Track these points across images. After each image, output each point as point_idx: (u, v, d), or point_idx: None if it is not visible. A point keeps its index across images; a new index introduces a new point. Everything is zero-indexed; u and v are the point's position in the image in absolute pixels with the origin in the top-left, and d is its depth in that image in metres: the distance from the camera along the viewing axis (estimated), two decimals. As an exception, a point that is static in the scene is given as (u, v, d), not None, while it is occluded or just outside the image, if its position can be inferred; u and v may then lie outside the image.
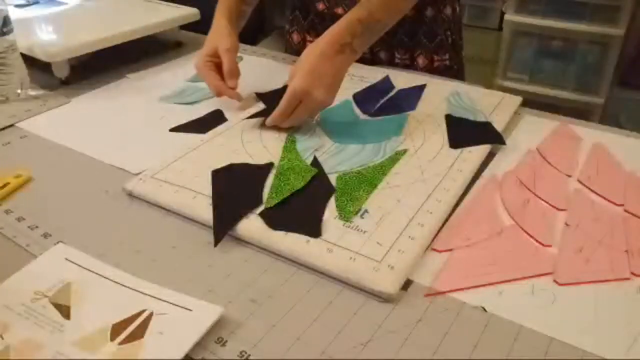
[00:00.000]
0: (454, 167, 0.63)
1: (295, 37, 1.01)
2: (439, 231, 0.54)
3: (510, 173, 0.64)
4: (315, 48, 0.69)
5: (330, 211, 0.56)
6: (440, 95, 0.81)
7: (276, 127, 0.72)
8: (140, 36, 0.96)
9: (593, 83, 1.86)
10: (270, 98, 0.81)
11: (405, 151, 0.67)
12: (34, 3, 1.10)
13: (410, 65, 0.95)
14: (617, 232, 0.54)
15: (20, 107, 0.82)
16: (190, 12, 1.04)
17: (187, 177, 0.61)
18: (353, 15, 0.69)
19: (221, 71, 0.78)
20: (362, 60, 0.93)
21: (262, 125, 0.73)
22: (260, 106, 0.78)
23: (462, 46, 1.00)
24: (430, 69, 0.94)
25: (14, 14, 0.98)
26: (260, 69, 0.96)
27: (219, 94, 0.78)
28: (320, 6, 0.94)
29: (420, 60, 0.94)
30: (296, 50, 1.01)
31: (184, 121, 0.77)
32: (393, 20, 0.73)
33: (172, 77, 0.92)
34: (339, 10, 0.92)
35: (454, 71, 0.98)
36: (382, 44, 0.94)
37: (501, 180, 0.63)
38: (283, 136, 0.70)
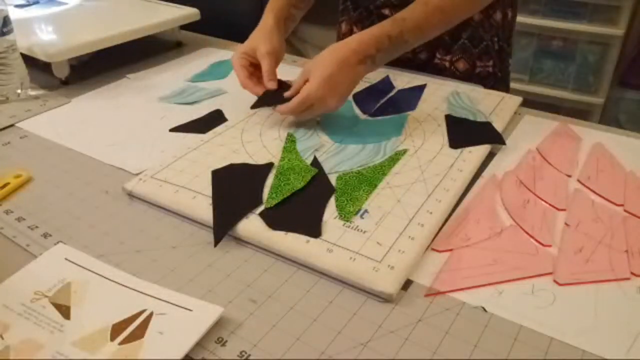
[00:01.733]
0: (454, 167, 0.63)
1: (344, 27, 1.00)
2: (439, 231, 0.54)
3: (510, 173, 0.64)
4: (339, 53, 0.68)
5: (330, 211, 0.56)
6: (440, 95, 0.81)
7: (276, 127, 0.72)
8: (140, 36, 0.96)
9: (593, 83, 1.86)
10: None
11: (405, 151, 0.67)
12: (34, 3, 1.10)
13: (447, 69, 0.92)
14: (617, 232, 0.54)
15: (20, 107, 0.82)
16: (190, 12, 1.05)
17: (187, 177, 0.61)
18: (384, 29, 0.69)
19: (254, 68, 0.77)
20: (402, 60, 0.93)
21: (262, 125, 0.73)
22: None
23: (509, 53, 0.96)
24: (471, 74, 0.92)
25: (14, 14, 0.98)
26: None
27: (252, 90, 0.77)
28: (369, 4, 0.94)
29: (461, 65, 0.91)
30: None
31: (184, 121, 0.77)
32: (418, 43, 0.73)
33: (172, 77, 0.93)
34: (386, 11, 0.91)
35: (497, 78, 0.94)
36: (424, 44, 0.92)
37: (501, 180, 0.63)
38: (283, 136, 0.70)
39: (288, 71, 0.95)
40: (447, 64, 0.92)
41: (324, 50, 0.70)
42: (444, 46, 0.91)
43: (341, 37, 1.02)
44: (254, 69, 0.77)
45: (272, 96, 0.72)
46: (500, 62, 0.94)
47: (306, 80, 0.68)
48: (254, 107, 0.73)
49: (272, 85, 0.74)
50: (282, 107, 0.70)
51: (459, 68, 0.91)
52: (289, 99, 0.69)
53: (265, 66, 0.74)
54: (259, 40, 0.76)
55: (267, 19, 0.79)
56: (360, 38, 0.69)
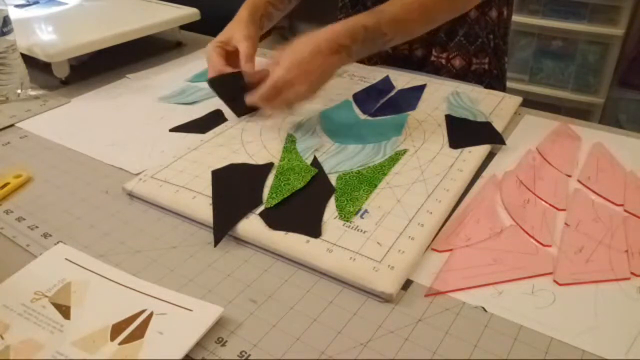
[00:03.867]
0: (454, 167, 0.63)
1: None
2: (439, 231, 0.54)
3: (510, 173, 0.64)
4: (311, 41, 0.66)
5: (330, 211, 0.56)
6: (440, 95, 0.81)
7: (276, 127, 0.72)
8: (140, 36, 0.96)
9: (593, 83, 1.86)
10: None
11: (405, 151, 0.67)
12: (34, 3, 1.10)
13: (444, 66, 0.92)
14: (617, 232, 0.54)
15: (20, 107, 0.82)
16: (190, 12, 1.05)
17: (187, 177, 0.61)
18: (360, 19, 0.67)
19: (230, 58, 0.75)
20: (398, 58, 0.93)
21: (262, 125, 0.73)
22: None
23: (505, 51, 0.96)
24: (467, 72, 0.92)
25: (14, 14, 0.99)
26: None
27: None
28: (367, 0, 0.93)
29: (457, 62, 0.91)
30: None
31: (184, 121, 0.77)
32: (400, 39, 0.71)
33: (172, 77, 0.93)
34: None
35: (493, 75, 0.94)
36: (420, 41, 0.92)
37: (501, 180, 0.63)
38: (283, 136, 0.70)
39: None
40: (443, 61, 0.92)
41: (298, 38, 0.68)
42: (440, 43, 0.91)
43: None
44: (229, 58, 0.75)
45: (233, 80, 0.70)
46: (496, 60, 0.94)
47: (277, 64, 0.66)
48: (210, 84, 0.71)
49: (249, 68, 0.72)
50: (251, 97, 0.68)
51: (455, 65, 0.92)
52: (252, 86, 0.67)
53: (243, 49, 0.73)
54: (234, 29, 0.76)
55: (241, 13, 0.79)
56: (334, 28, 0.67)
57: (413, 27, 0.71)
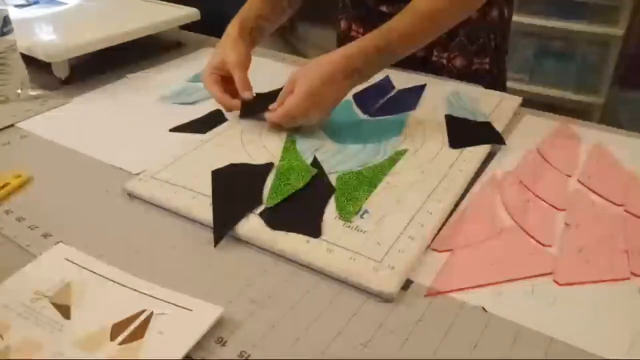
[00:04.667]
0: (454, 167, 0.63)
1: (343, 24, 1.00)
2: (439, 231, 0.54)
3: (510, 173, 0.64)
4: (324, 68, 0.66)
5: (330, 211, 0.56)
6: (440, 95, 0.81)
7: (276, 127, 0.72)
8: (140, 36, 0.96)
9: (593, 83, 1.86)
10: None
11: (405, 151, 0.67)
12: (34, 3, 1.10)
13: (445, 66, 0.92)
14: (617, 232, 0.54)
15: (20, 107, 0.82)
16: (190, 12, 1.05)
17: (187, 177, 0.61)
18: (370, 41, 0.67)
19: (226, 82, 0.75)
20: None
21: (262, 125, 0.73)
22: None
23: (506, 51, 0.96)
24: (468, 72, 0.92)
25: (14, 14, 0.98)
26: (260, 69, 0.95)
27: (226, 109, 0.76)
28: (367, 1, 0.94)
29: (458, 62, 0.91)
30: (341, 38, 1.00)
31: (184, 121, 0.77)
32: (409, 52, 0.71)
33: (172, 77, 0.93)
34: (384, 8, 0.90)
35: (494, 76, 0.94)
36: None
37: (501, 180, 0.63)
38: (283, 136, 0.70)
39: (288, 71, 0.95)
40: (444, 61, 0.92)
41: (311, 61, 0.68)
42: (441, 43, 0.91)
43: (340, 34, 1.02)
44: (226, 83, 0.75)
45: (259, 105, 0.72)
46: (497, 60, 0.94)
47: (291, 91, 0.67)
48: (242, 117, 0.73)
49: (247, 95, 0.73)
50: (268, 119, 0.70)
51: (455, 65, 0.92)
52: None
53: (237, 78, 0.73)
54: (226, 52, 0.75)
55: (231, 30, 0.78)
56: (346, 52, 0.67)
57: (422, 40, 0.71)
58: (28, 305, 0.45)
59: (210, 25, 1.11)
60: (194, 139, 0.71)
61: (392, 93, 0.83)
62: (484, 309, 0.46)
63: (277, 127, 0.71)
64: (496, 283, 0.48)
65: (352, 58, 0.66)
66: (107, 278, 0.48)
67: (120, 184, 0.62)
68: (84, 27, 0.97)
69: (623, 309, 0.46)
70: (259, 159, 0.65)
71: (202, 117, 0.78)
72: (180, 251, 0.53)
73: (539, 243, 0.53)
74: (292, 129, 0.72)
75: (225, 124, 0.74)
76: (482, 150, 0.67)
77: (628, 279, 0.49)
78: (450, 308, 0.46)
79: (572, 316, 0.45)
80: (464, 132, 0.71)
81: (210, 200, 0.57)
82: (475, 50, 0.91)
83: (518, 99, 0.80)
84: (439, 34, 0.73)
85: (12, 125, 0.77)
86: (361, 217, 0.55)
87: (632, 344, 0.42)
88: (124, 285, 0.48)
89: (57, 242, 0.53)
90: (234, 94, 0.74)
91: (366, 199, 0.58)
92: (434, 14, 0.68)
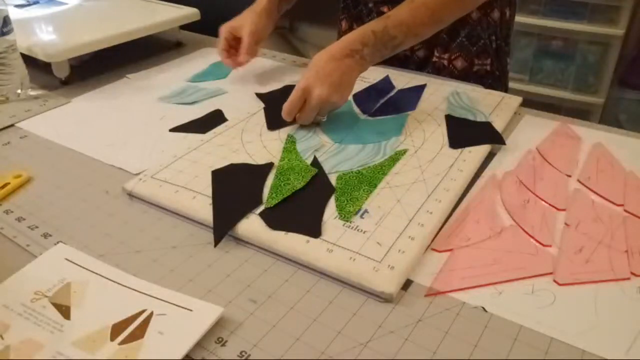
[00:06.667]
0: (454, 167, 0.63)
1: (344, 24, 1.01)
2: (439, 231, 0.54)
3: (510, 173, 0.64)
4: (325, 51, 0.71)
5: (330, 211, 0.56)
6: (440, 95, 0.81)
7: (308, 123, 0.72)
8: (140, 36, 0.96)
9: (593, 83, 1.86)
10: (270, 98, 0.81)
11: (405, 151, 0.67)
12: (34, 3, 1.10)
13: (446, 67, 0.92)
14: (617, 232, 0.54)
15: (20, 107, 0.82)
16: (190, 12, 1.05)
17: (187, 177, 0.61)
18: (369, 26, 0.71)
19: (235, 42, 0.88)
20: (400, 58, 0.93)
21: (262, 125, 0.73)
22: (260, 105, 0.78)
23: (507, 52, 0.96)
24: (469, 73, 0.92)
25: (14, 14, 0.99)
26: (260, 69, 0.96)
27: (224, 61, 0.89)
28: (368, 1, 0.94)
29: (459, 63, 0.92)
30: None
31: (184, 121, 0.77)
32: (410, 41, 0.74)
33: (172, 77, 0.93)
34: (384, 9, 0.91)
35: (495, 77, 0.94)
36: (422, 42, 0.91)
37: (501, 180, 0.63)
38: (283, 136, 0.70)
39: (288, 71, 0.96)
40: (445, 62, 0.92)
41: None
42: (442, 44, 0.91)
43: (341, 34, 1.02)
44: (235, 42, 0.88)
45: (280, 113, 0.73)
46: (498, 61, 0.94)
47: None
48: (271, 129, 0.73)
49: (244, 59, 0.86)
50: (282, 112, 0.71)
51: (457, 66, 0.92)
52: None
53: (244, 42, 0.86)
54: (247, 20, 0.87)
55: (261, 1, 0.89)
56: (345, 37, 0.72)
57: (421, 30, 0.73)
58: (28, 305, 0.45)
59: (210, 25, 1.11)
60: (194, 139, 0.71)
61: (392, 93, 0.83)
62: (484, 309, 0.46)
63: (308, 122, 0.73)
64: (496, 283, 0.48)
65: (350, 40, 0.71)
66: (107, 278, 0.48)
67: (120, 184, 0.62)
68: (84, 27, 0.97)
69: (623, 309, 0.46)
70: (259, 159, 0.65)
71: (202, 117, 0.78)
72: (180, 251, 0.53)
73: (539, 243, 0.53)
74: (292, 129, 0.71)
75: (225, 124, 0.74)
76: (482, 150, 0.67)
77: (628, 279, 0.49)
78: (450, 308, 0.46)
79: (572, 316, 0.45)
80: (464, 132, 0.71)
81: (210, 200, 0.57)
82: (476, 52, 0.91)
83: (518, 99, 0.80)
84: (438, 27, 0.75)
85: (12, 125, 0.77)
86: (361, 217, 0.55)
87: (632, 344, 0.42)
88: (124, 286, 0.48)
89: (57, 242, 0.53)
90: (235, 52, 0.88)
91: (366, 199, 0.58)
92: (431, 2, 0.71)
